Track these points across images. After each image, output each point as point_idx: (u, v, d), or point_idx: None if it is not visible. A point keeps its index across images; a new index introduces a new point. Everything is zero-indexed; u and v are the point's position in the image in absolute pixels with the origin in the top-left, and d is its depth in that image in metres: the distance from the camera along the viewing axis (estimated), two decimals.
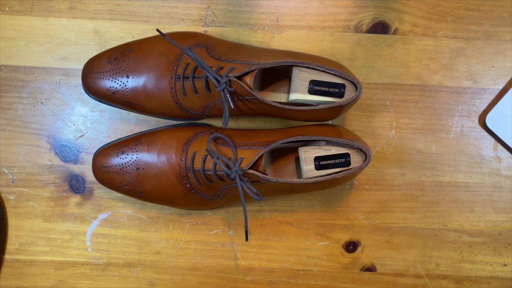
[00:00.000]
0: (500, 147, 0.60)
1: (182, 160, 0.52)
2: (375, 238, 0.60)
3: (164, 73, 0.52)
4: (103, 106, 0.59)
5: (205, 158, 0.51)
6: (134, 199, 0.59)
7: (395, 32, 0.58)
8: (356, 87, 0.50)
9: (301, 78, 0.49)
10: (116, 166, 0.53)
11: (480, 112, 0.59)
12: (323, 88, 0.50)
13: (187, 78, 0.51)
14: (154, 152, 0.53)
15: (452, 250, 0.60)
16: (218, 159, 0.49)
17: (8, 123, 0.58)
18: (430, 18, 0.58)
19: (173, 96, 0.52)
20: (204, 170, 0.51)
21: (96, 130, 0.59)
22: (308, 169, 0.50)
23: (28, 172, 0.59)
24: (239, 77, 0.48)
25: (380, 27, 0.58)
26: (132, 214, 0.59)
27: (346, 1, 0.58)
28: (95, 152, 0.55)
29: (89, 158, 0.59)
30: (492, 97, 0.59)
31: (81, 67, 0.58)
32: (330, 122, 0.58)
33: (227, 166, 0.50)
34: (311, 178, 0.50)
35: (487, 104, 0.59)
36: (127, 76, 0.53)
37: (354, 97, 0.50)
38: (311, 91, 0.50)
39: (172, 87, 0.52)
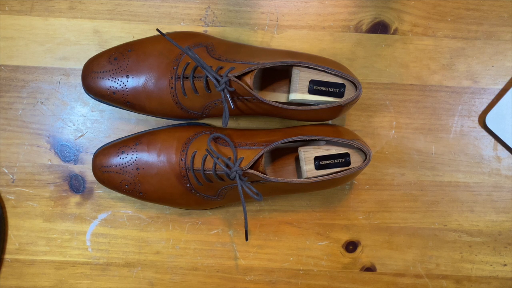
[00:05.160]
0: (500, 147, 0.60)
1: (182, 160, 0.52)
2: (375, 238, 0.60)
3: (164, 73, 0.52)
4: (103, 106, 0.59)
5: (205, 158, 0.51)
6: (134, 199, 0.59)
7: (395, 32, 0.58)
8: (356, 87, 0.50)
9: (301, 78, 0.49)
10: (116, 166, 0.53)
11: (480, 112, 0.59)
12: (323, 88, 0.50)
13: (187, 78, 0.51)
14: (154, 152, 0.53)
15: (452, 250, 0.60)
16: (218, 159, 0.49)
17: (8, 123, 0.58)
18: (430, 18, 0.58)
19: (173, 96, 0.52)
20: (204, 170, 0.51)
21: (96, 130, 0.59)
22: (308, 169, 0.50)
23: (28, 172, 0.59)
24: (239, 77, 0.48)
25: (380, 27, 0.58)
26: (132, 214, 0.59)
27: (346, 1, 0.58)
28: (95, 152, 0.55)
29: (89, 158, 0.59)
30: (492, 97, 0.59)
31: (81, 67, 0.58)
32: (330, 122, 0.58)
33: (227, 166, 0.50)
34: (311, 178, 0.50)
35: (487, 104, 0.59)
36: (127, 76, 0.52)
37: (354, 97, 0.50)
38: (311, 91, 0.50)
39: (172, 87, 0.52)
